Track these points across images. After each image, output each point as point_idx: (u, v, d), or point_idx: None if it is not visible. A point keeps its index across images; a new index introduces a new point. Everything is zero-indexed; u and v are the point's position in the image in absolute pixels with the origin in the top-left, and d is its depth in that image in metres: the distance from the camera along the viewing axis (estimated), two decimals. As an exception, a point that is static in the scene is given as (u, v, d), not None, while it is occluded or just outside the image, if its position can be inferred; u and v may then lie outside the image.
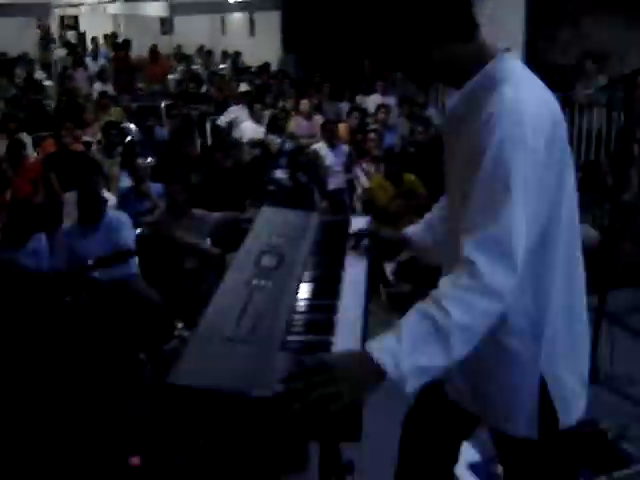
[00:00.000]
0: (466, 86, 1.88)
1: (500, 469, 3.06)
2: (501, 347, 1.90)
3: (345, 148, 8.06)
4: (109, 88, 12.10)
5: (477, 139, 1.74)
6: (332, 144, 7.99)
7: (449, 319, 1.59)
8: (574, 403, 1.99)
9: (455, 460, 2.41)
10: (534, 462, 2.02)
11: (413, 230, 2.42)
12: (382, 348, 1.60)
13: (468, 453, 3.49)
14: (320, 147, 8.08)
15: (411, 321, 1.64)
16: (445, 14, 1.81)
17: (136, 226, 5.48)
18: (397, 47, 1.92)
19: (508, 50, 1.90)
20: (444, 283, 1.68)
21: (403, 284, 5.84)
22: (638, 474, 3.34)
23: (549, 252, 1.84)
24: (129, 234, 5.19)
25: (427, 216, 2.42)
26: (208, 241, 5.56)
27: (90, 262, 4.90)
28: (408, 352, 1.58)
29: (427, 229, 2.37)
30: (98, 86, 12.28)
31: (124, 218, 5.26)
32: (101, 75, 12.88)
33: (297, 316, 1.96)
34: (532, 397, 1.92)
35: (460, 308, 1.60)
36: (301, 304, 2.03)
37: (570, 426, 1.98)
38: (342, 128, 8.83)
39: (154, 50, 14.81)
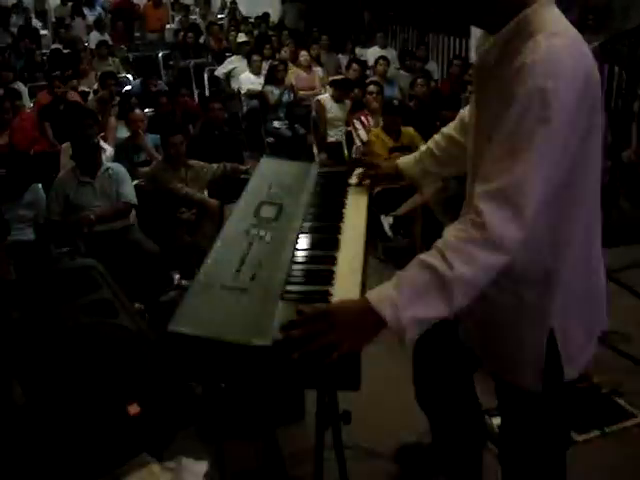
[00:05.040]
0: (502, 32, 1.79)
1: (492, 420, 3.10)
2: (516, 297, 1.88)
3: (349, 103, 8.01)
4: (106, 38, 11.93)
5: (508, 88, 1.67)
6: (339, 99, 7.95)
7: (451, 271, 1.58)
8: (580, 357, 1.99)
9: (471, 386, 2.45)
10: (533, 413, 2.04)
11: (404, 161, 2.49)
12: (382, 298, 1.60)
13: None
14: (325, 99, 8.03)
15: (412, 271, 1.63)
16: None
17: (133, 177, 5.47)
18: None
19: None
20: (449, 232, 1.66)
21: (400, 238, 5.85)
22: (631, 429, 3.38)
23: (570, 205, 1.81)
24: (129, 187, 5.18)
25: (422, 148, 2.48)
26: (205, 192, 5.56)
27: (92, 216, 4.90)
28: (408, 302, 1.58)
29: (417, 163, 2.44)
30: (95, 36, 12.12)
31: (123, 171, 5.24)
32: (98, 24, 12.69)
33: (296, 266, 1.96)
34: (540, 350, 1.91)
35: (462, 260, 1.59)
36: (301, 254, 2.03)
37: (573, 379, 1.99)
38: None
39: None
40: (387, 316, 1.57)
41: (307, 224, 2.23)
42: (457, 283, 1.59)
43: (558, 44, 1.66)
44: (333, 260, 2.00)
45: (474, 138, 1.96)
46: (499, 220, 1.60)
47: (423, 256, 1.65)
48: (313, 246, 2.10)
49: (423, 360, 2.45)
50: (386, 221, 5.83)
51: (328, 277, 1.90)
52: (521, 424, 2.10)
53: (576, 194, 1.80)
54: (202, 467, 3.04)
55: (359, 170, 2.58)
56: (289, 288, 1.83)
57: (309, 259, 2.02)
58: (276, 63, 9.19)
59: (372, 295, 1.63)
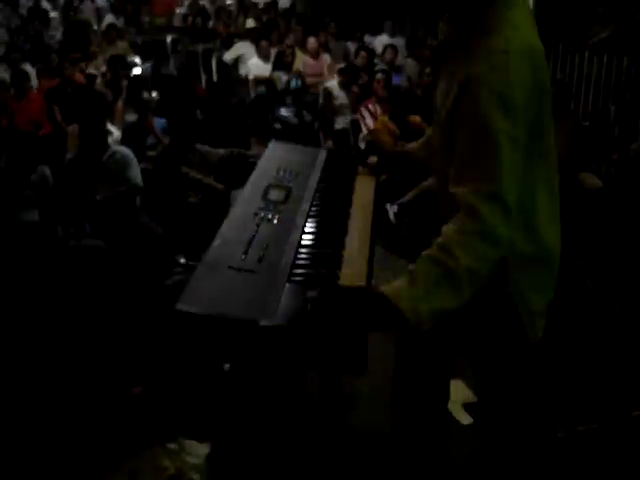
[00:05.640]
0: (461, 28, 1.91)
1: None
2: None
3: (357, 90, 8.00)
4: (120, 22, 11.89)
5: (462, 91, 1.79)
6: (347, 86, 7.94)
7: (458, 263, 1.66)
8: (539, 321, 2.07)
9: (449, 372, 2.50)
10: (503, 380, 2.14)
11: (412, 146, 2.54)
12: (399, 294, 1.66)
13: (464, 393, 3.55)
14: (333, 86, 8.02)
15: (423, 267, 1.70)
16: None
17: (140, 160, 5.47)
18: None
19: None
20: (449, 230, 1.73)
21: (405, 227, 5.84)
22: (627, 422, 3.39)
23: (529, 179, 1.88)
24: (136, 171, 5.18)
25: (427, 132, 2.52)
26: (212, 177, 5.56)
27: (98, 198, 4.91)
28: (424, 296, 1.65)
29: (426, 143, 2.46)
30: (109, 19, 12.09)
31: (130, 154, 5.24)
32: (114, 8, 12.65)
33: (304, 249, 1.97)
34: (500, 315, 2.00)
35: (467, 252, 1.67)
36: (308, 238, 2.04)
37: (536, 341, 2.06)
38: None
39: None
40: (406, 311, 1.63)
41: (315, 208, 2.24)
42: (464, 275, 1.66)
43: (510, 45, 1.77)
44: (341, 244, 2.00)
45: (434, 129, 2.09)
46: (492, 216, 1.69)
47: (429, 252, 1.72)
48: (321, 230, 2.11)
49: (405, 354, 2.51)
50: (391, 209, 5.83)
51: (335, 260, 1.91)
52: (494, 392, 2.20)
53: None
54: (204, 449, 3.07)
55: (373, 158, 2.61)
56: (296, 270, 1.84)
57: (317, 242, 2.03)
58: (284, 48, 9.16)
59: (388, 291, 1.67)
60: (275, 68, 8.91)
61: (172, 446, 3.07)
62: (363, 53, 9.02)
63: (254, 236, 1.96)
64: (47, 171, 5.25)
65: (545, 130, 1.93)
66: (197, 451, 3.05)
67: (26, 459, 3.00)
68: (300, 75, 8.87)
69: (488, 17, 1.85)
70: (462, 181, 1.75)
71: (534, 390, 2.27)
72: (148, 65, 9.09)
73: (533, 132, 1.82)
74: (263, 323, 1.58)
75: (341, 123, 7.78)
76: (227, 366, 3.25)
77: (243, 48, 9.93)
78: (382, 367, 2.53)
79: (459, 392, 3.52)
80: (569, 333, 3.78)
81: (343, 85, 7.93)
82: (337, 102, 7.87)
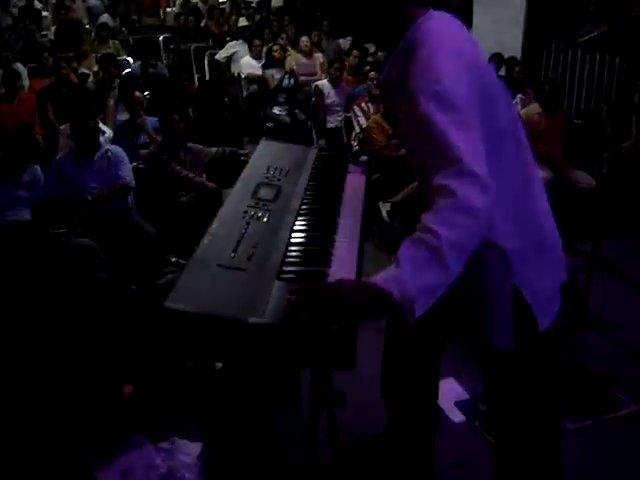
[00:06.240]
0: (396, 50, 1.98)
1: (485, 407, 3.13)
2: (478, 259, 1.89)
3: (347, 88, 8.01)
4: (116, 23, 11.86)
5: (408, 102, 1.85)
6: (336, 83, 7.95)
7: (438, 238, 1.64)
8: (549, 308, 2.11)
9: (436, 371, 2.54)
10: (511, 372, 2.14)
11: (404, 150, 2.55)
12: (387, 279, 1.63)
13: (455, 391, 3.56)
14: (323, 84, 8.03)
15: (405, 249, 1.68)
16: None
17: (133, 159, 5.46)
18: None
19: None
20: (427, 213, 1.73)
21: (397, 225, 5.85)
22: (625, 418, 3.39)
23: (501, 167, 1.92)
24: (127, 170, 5.17)
25: None
26: (204, 176, 5.55)
27: (90, 198, 4.90)
28: (410, 276, 1.62)
29: None
30: (105, 18, 12.06)
31: (122, 153, 5.23)
32: (110, 8, 12.63)
33: (294, 247, 1.97)
34: (507, 307, 2.02)
35: (445, 226, 1.65)
36: (298, 236, 2.04)
37: (546, 329, 2.09)
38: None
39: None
40: (395, 293, 1.60)
41: (305, 206, 2.24)
42: (447, 248, 1.64)
43: (437, 52, 1.84)
44: (330, 242, 2.00)
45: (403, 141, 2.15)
46: (464, 188, 1.68)
47: (411, 236, 1.71)
48: (311, 228, 2.11)
49: (393, 350, 2.51)
50: (384, 208, 5.84)
51: (325, 258, 1.91)
52: (501, 385, 2.20)
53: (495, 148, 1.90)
54: (196, 448, 3.07)
55: (364, 157, 2.62)
56: (286, 268, 1.84)
57: (306, 240, 2.03)
58: (276, 47, 9.15)
59: (377, 278, 1.65)
60: (267, 66, 8.91)
61: (164, 444, 3.07)
62: (356, 52, 9.02)
63: (244, 234, 1.96)
64: (38, 170, 5.23)
65: (500, 111, 1.97)
66: (189, 450, 3.05)
67: (17, 456, 3.00)
68: (293, 74, 8.88)
69: (410, 34, 1.93)
70: (431, 174, 1.76)
71: (545, 381, 2.27)
72: (140, 64, 9.08)
73: (485, 115, 1.84)
74: (252, 321, 1.58)
75: (333, 122, 7.78)
76: (219, 365, 3.25)
77: (236, 47, 9.93)
78: (373, 364, 2.54)
79: (451, 390, 3.54)
80: (560, 330, 3.79)
81: (334, 81, 7.94)
82: (328, 101, 7.88)
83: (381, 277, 1.64)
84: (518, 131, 2.07)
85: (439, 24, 1.95)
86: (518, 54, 8.64)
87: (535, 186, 2.11)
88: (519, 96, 7.32)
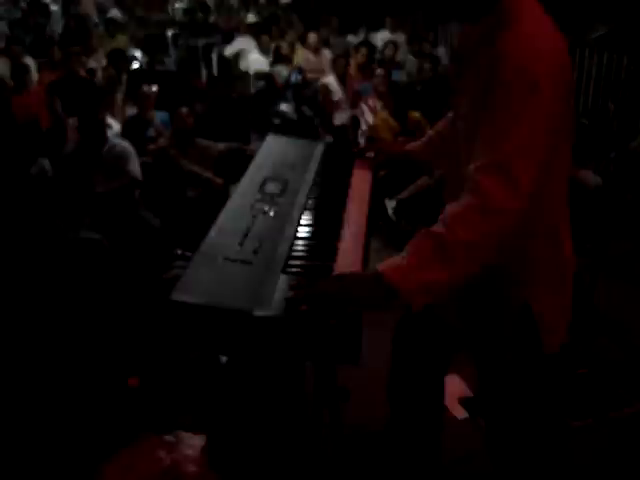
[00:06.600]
0: (482, 22, 1.87)
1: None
2: (492, 269, 1.87)
3: (355, 85, 8.00)
4: (125, 18, 11.86)
5: (489, 74, 1.74)
6: (343, 80, 7.93)
7: (452, 235, 1.62)
8: (557, 329, 2.04)
9: (444, 372, 2.51)
10: (516, 387, 2.10)
11: (414, 145, 2.52)
12: (392, 267, 1.64)
13: (459, 388, 3.56)
14: (330, 81, 8.02)
15: (417, 241, 1.68)
16: None
17: (139, 154, 5.47)
18: None
19: None
20: (451, 205, 1.70)
21: (403, 222, 5.85)
22: (629, 417, 3.40)
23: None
24: (135, 164, 5.19)
25: (429, 133, 2.50)
26: (211, 171, 5.56)
27: (98, 191, 4.92)
28: (415, 267, 1.62)
29: (428, 144, 2.47)
30: (114, 12, 12.07)
31: (130, 148, 5.24)
32: (120, 2, 12.63)
33: (300, 242, 1.98)
34: (516, 322, 1.98)
35: (463, 225, 1.63)
36: (304, 230, 2.05)
37: (554, 352, 2.03)
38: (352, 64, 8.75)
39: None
40: (396, 282, 1.61)
41: (312, 201, 2.25)
42: (457, 247, 1.62)
43: (536, 31, 1.75)
44: (336, 236, 2.01)
45: (457, 125, 2.02)
46: (495, 188, 1.64)
47: (429, 227, 1.69)
48: (317, 222, 2.12)
49: (402, 349, 2.51)
50: (390, 205, 5.84)
51: (331, 253, 1.92)
52: (508, 405, 2.15)
53: (552, 164, 1.82)
54: (200, 440, 3.08)
55: (370, 154, 2.62)
56: (292, 262, 1.85)
57: (312, 235, 2.03)
58: (284, 44, 9.15)
59: (382, 266, 1.66)
60: (275, 62, 8.90)
61: (168, 437, 3.09)
62: (363, 50, 9.02)
63: (250, 228, 1.97)
64: (47, 164, 5.25)
65: (568, 134, 1.89)
66: (193, 443, 3.06)
67: (21, 451, 3.01)
68: (301, 70, 8.87)
69: (505, 11, 1.81)
70: (473, 159, 1.72)
71: (544, 389, 2.23)
72: (148, 59, 9.08)
73: (558, 127, 1.76)
74: (257, 313, 1.59)
75: (340, 119, 7.78)
76: (224, 358, 3.26)
77: (244, 43, 9.93)
78: (378, 360, 2.55)
79: (455, 387, 3.54)
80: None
81: (340, 78, 7.93)
82: (335, 97, 7.87)
83: (386, 265, 1.65)
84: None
85: (535, 5, 1.85)
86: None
87: (564, 199, 2.02)
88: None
